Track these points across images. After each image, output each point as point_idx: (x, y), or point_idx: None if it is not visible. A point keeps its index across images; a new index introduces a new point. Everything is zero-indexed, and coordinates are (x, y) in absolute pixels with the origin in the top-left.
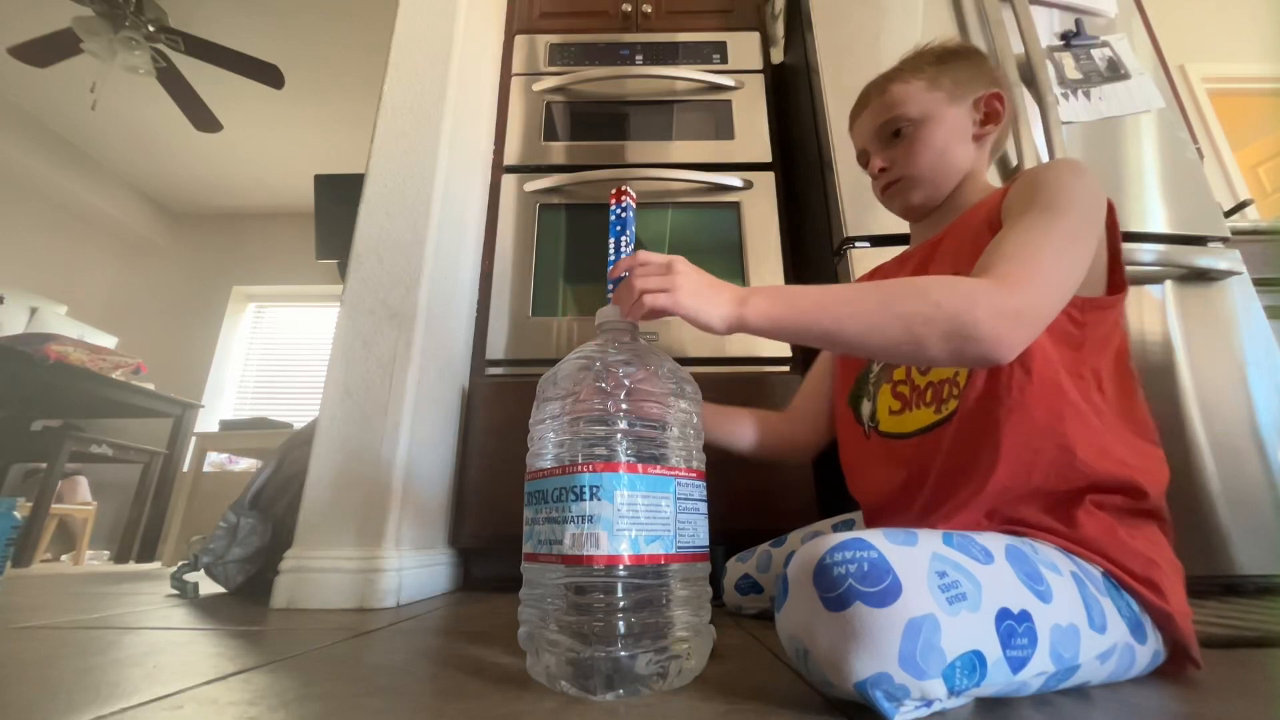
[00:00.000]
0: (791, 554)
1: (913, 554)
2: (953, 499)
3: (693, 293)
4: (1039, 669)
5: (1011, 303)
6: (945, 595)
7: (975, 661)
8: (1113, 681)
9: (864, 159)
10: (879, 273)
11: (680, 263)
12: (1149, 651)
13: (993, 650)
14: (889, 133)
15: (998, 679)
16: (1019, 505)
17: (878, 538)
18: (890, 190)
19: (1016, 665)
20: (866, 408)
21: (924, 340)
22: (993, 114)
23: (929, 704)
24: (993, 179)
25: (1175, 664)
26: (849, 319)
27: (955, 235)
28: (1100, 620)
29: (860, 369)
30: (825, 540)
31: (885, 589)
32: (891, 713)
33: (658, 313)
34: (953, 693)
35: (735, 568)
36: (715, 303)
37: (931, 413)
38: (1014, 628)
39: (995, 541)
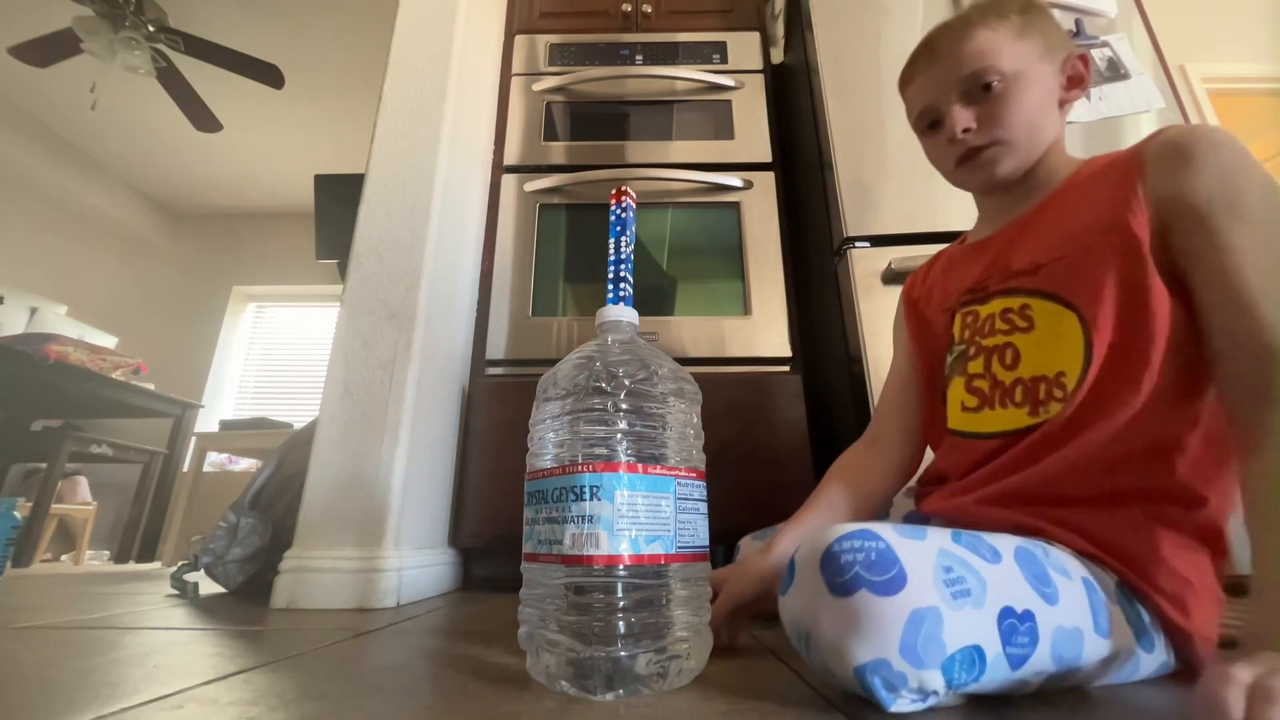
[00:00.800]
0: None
1: (920, 548)
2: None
3: None
4: (1039, 668)
5: None
6: (950, 590)
7: (975, 656)
8: (1113, 684)
9: (927, 119)
10: (941, 262)
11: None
12: (1155, 661)
13: (993, 646)
14: (977, 86)
15: (997, 675)
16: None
17: (886, 530)
18: (976, 159)
19: (1016, 662)
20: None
21: None
22: (1077, 78)
23: (925, 697)
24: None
25: (1185, 677)
26: None
27: (1053, 215)
28: (1105, 626)
29: (944, 354)
30: (834, 528)
31: (891, 578)
32: (888, 702)
33: None
34: (950, 686)
35: (750, 545)
36: None
37: (1025, 414)
38: (1016, 626)
39: (1005, 542)
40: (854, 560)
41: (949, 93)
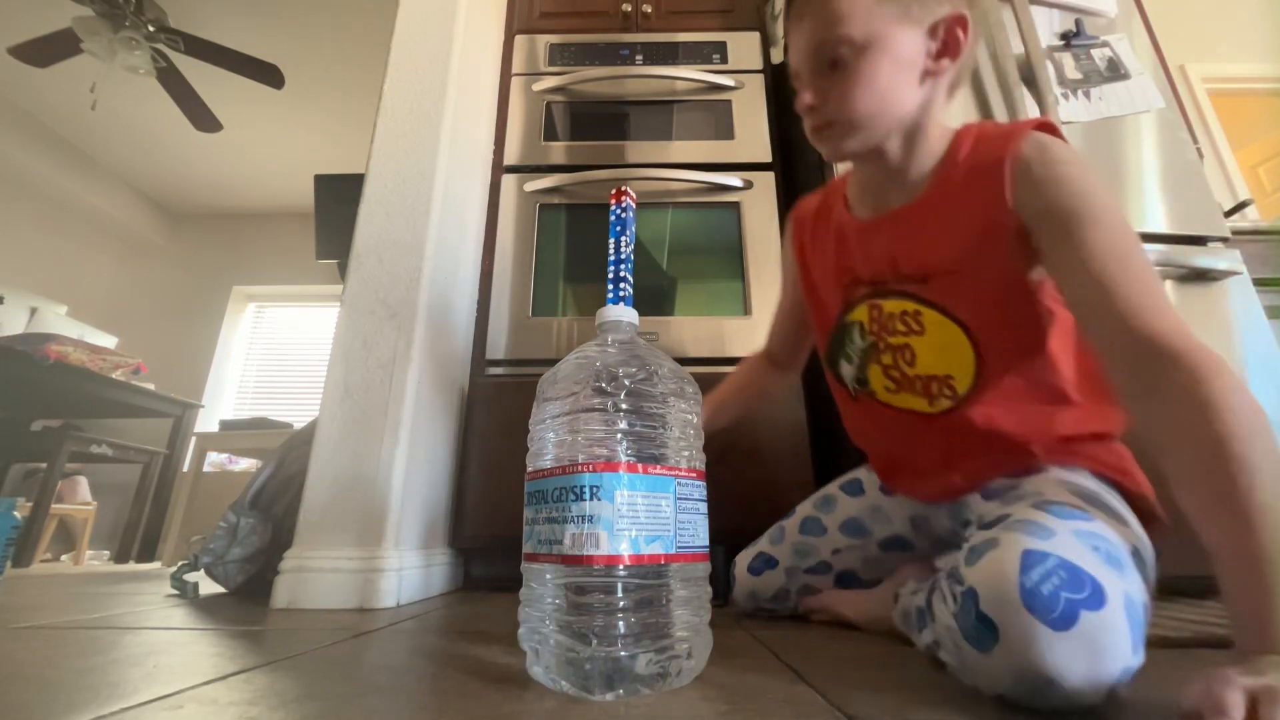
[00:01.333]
0: (806, 519)
1: (1067, 543)
2: (966, 458)
3: None
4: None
5: (1207, 364)
6: (1109, 565)
7: (1144, 609)
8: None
9: (796, 82)
10: (833, 227)
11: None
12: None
13: (1143, 592)
14: (825, 59)
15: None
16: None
17: (1029, 540)
18: (822, 134)
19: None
20: (848, 370)
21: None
22: (952, 44)
23: None
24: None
25: (1150, 531)
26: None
27: (935, 219)
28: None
29: (831, 328)
30: (1000, 566)
31: (1092, 591)
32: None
33: None
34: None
35: (745, 554)
36: None
37: (925, 403)
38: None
39: (1066, 492)
40: (1057, 587)
41: (805, 61)
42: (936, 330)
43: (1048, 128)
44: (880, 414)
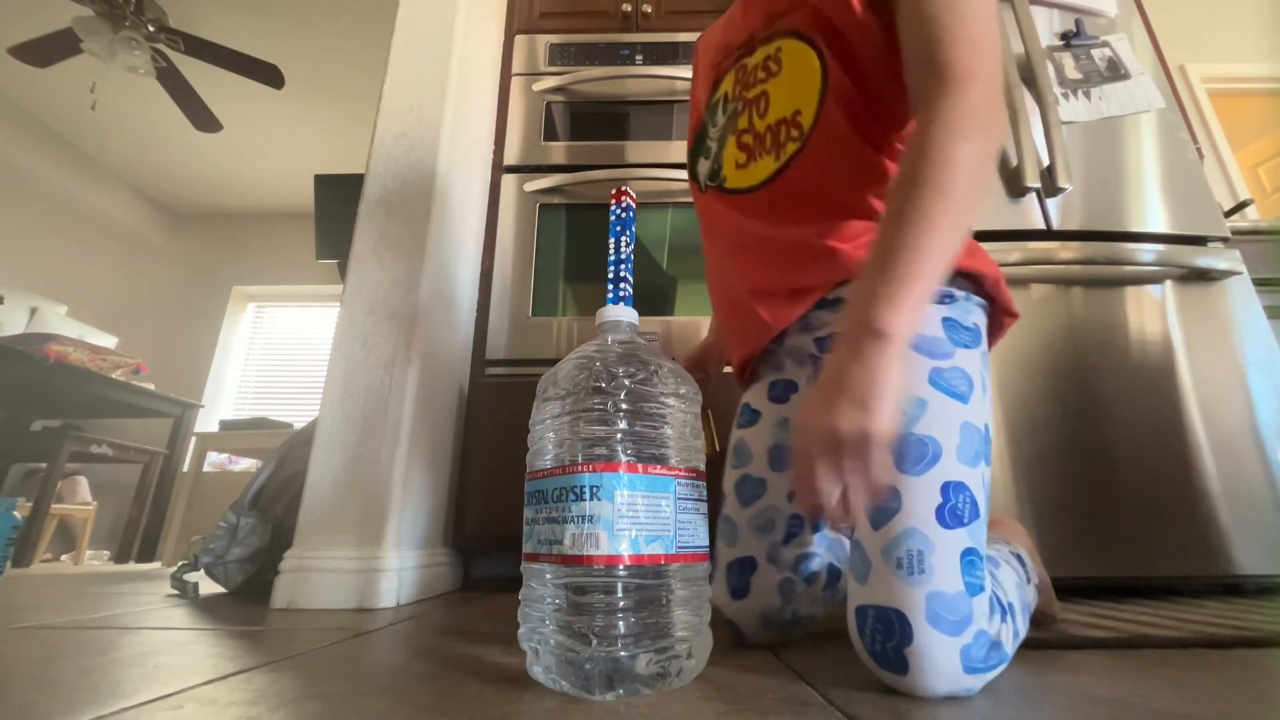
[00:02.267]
0: (737, 484)
1: (880, 578)
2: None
3: (863, 415)
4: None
5: (981, 99)
6: (916, 572)
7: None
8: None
9: None
10: (723, 19)
11: (812, 426)
12: (984, 328)
13: None
14: None
15: None
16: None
17: (855, 589)
18: None
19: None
20: (704, 167)
21: (985, 181)
22: None
23: None
24: None
25: (997, 325)
26: (943, 235)
27: None
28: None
29: (697, 125)
30: (850, 622)
31: (900, 629)
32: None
33: (887, 491)
34: None
35: (714, 584)
36: (879, 382)
37: (772, 161)
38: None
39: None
40: (881, 641)
41: None
42: (791, 59)
43: None
44: (720, 221)
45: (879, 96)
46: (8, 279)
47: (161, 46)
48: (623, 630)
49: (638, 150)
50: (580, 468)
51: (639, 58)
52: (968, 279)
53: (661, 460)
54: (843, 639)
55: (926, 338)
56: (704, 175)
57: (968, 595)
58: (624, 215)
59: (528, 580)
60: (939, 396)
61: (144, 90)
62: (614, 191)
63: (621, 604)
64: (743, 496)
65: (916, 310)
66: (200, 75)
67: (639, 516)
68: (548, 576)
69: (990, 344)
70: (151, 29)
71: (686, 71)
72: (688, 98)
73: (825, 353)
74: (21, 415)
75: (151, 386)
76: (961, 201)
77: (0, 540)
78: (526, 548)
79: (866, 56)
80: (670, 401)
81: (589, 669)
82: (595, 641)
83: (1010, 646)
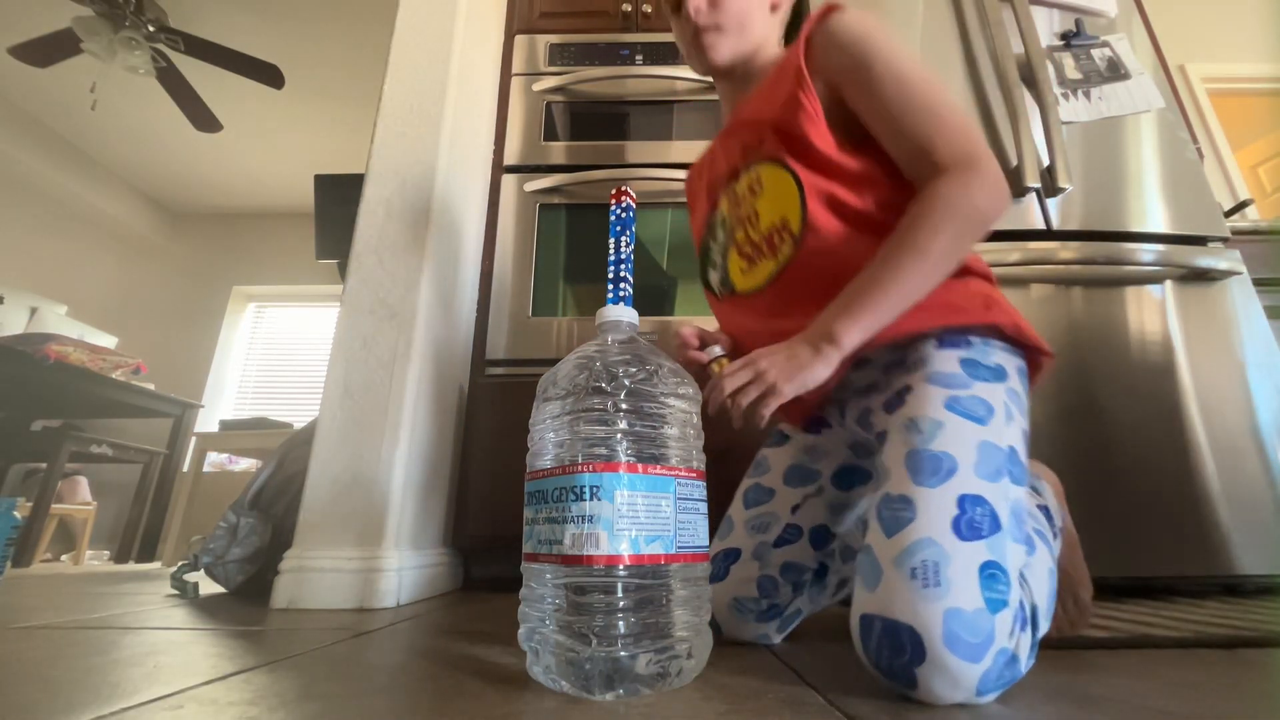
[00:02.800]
0: (746, 491)
1: (892, 586)
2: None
3: (786, 375)
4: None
5: (978, 175)
6: (934, 584)
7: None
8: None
9: (672, 3)
10: (708, 155)
11: (758, 358)
12: (1014, 369)
13: None
14: None
15: None
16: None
17: (861, 596)
18: (707, 36)
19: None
20: (714, 277)
21: (964, 251)
22: None
23: None
24: None
25: (1035, 367)
26: (909, 284)
27: (760, 97)
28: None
29: (702, 232)
30: (855, 631)
31: (911, 646)
32: None
33: (765, 417)
34: None
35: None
36: (811, 366)
37: (773, 264)
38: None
39: (936, 405)
40: (889, 656)
41: None
42: (770, 181)
43: (832, 9)
44: (739, 321)
45: (856, 177)
46: (8, 279)
47: (161, 46)
48: (623, 630)
49: (638, 150)
50: (580, 468)
51: (639, 58)
52: (987, 329)
53: (661, 460)
54: (842, 639)
55: (944, 374)
56: (716, 283)
57: (989, 612)
58: (624, 215)
59: (528, 580)
60: (955, 419)
61: (144, 90)
62: (614, 191)
63: (621, 604)
64: (748, 500)
65: (866, 332)
66: (200, 75)
67: (639, 516)
68: (548, 576)
69: (1031, 382)
70: (151, 29)
71: (686, 71)
72: (688, 98)
73: (859, 399)
74: (21, 415)
75: (151, 386)
76: (936, 265)
77: (0, 540)
78: (526, 548)
79: (834, 146)
80: (670, 401)
81: (589, 669)
82: (595, 641)
83: (1028, 658)
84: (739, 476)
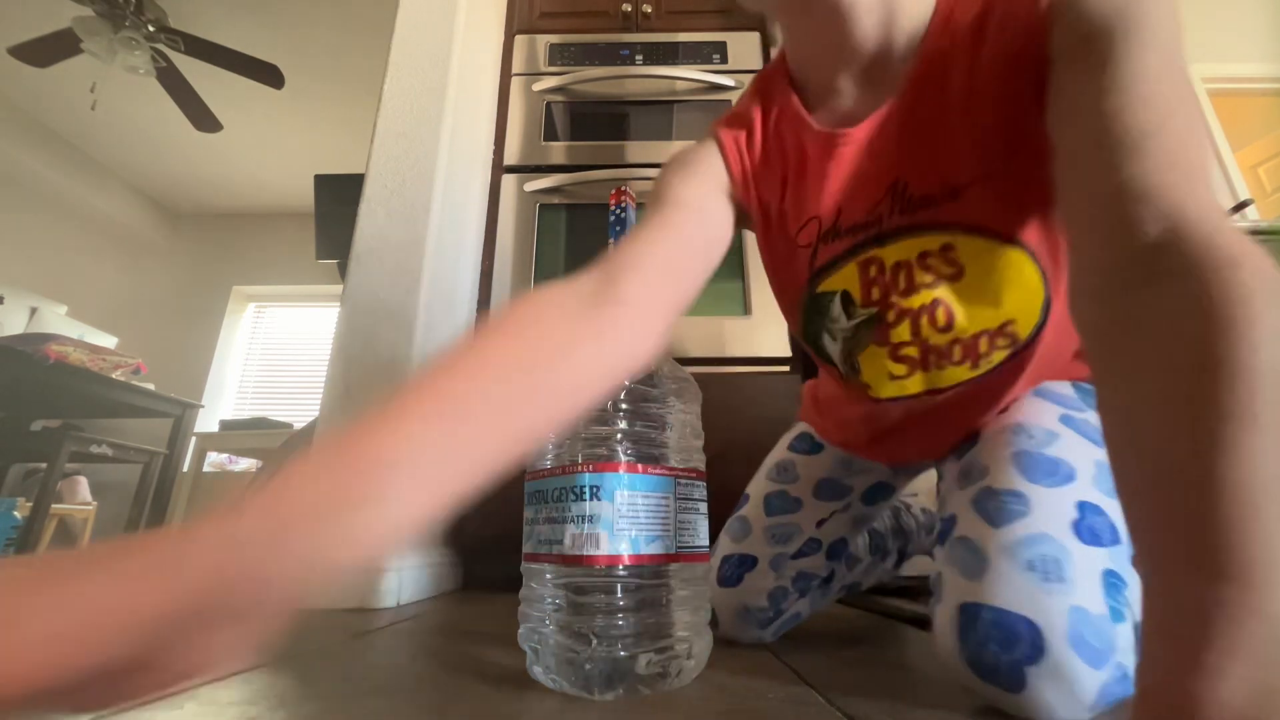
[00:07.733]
0: (769, 497)
1: (1001, 574)
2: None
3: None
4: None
5: (1248, 266)
6: (1053, 579)
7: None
8: None
9: None
10: (790, 147)
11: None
12: None
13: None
14: None
15: None
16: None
17: (963, 585)
18: None
19: None
20: (833, 347)
21: None
22: None
23: None
24: None
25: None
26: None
27: (942, 105)
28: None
29: (798, 295)
30: (944, 626)
31: (1030, 643)
32: None
33: None
34: None
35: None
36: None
37: (966, 370)
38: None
39: (1046, 414)
40: (996, 651)
41: None
42: (980, 262)
43: None
44: (881, 409)
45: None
46: (8, 279)
47: (161, 46)
48: (623, 630)
49: (638, 150)
50: (580, 468)
51: (639, 58)
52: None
53: (662, 460)
54: (842, 639)
55: (1056, 393)
56: (836, 358)
57: (1111, 621)
58: (623, 215)
59: (528, 580)
60: (1070, 432)
61: (144, 90)
62: (614, 191)
63: (621, 604)
64: (770, 507)
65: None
66: (200, 75)
67: (639, 516)
68: (548, 576)
69: None
70: (151, 29)
71: (686, 71)
72: (688, 98)
73: None
74: (21, 415)
75: (151, 386)
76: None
77: (0, 540)
78: (526, 548)
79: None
80: (670, 401)
81: (589, 669)
82: (595, 641)
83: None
84: (739, 476)
